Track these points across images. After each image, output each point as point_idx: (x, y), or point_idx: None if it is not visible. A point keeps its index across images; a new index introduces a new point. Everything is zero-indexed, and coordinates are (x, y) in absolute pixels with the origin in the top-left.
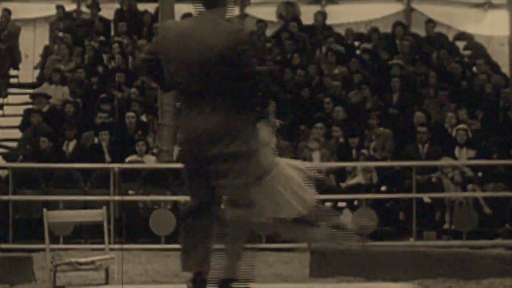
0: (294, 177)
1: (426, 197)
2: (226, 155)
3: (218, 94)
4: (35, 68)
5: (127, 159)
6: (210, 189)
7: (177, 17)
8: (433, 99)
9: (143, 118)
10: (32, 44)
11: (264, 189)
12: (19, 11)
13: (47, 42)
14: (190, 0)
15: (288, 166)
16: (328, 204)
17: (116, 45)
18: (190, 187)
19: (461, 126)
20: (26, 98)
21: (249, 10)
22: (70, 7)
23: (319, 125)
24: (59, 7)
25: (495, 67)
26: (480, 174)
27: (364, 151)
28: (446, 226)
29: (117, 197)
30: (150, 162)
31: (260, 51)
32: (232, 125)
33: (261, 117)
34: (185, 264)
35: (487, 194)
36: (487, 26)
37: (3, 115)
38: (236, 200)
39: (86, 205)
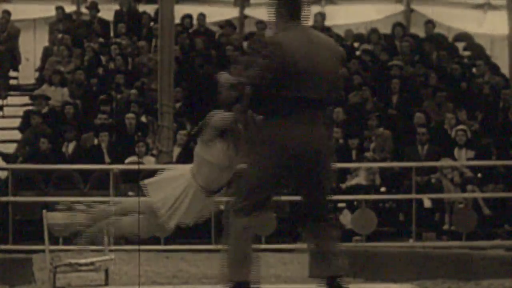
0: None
1: (427, 201)
2: (325, 168)
3: (322, 109)
4: (36, 70)
5: (127, 160)
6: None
7: (177, 18)
8: (433, 100)
9: (143, 119)
10: (32, 46)
11: None
12: (18, 12)
13: (46, 43)
14: (190, 1)
15: None
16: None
17: (115, 46)
18: (262, 189)
19: (461, 127)
20: (26, 100)
21: (248, 11)
22: (69, 9)
23: None
24: (59, 8)
25: (494, 68)
26: (479, 175)
27: (367, 153)
28: (445, 227)
29: (116, 198)
30: (149, 163)
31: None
32: (328, 136)
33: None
34: (237, 272)
35: (487, 195)
36: (487, 27)
37: (3, 117)
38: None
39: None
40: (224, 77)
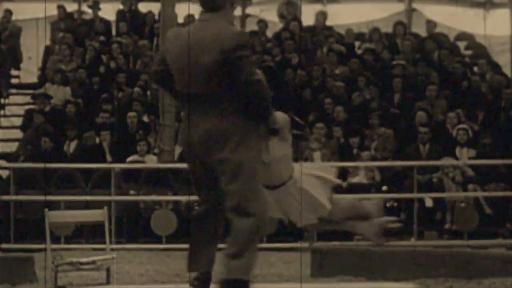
0: (308, 190)
1: (428, 201)
2: (221, 160)
3: (217, 99)
4: (39, 69)
5: (128, 159)
6: (215, 192)
7: (180, 17)
8: (435, 99)
9: (145, 118)
10: (35, 44)
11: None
12: (21, 11)
13: (48, 42)
14: (192, 0)
15: (305, 178)
16: None
17: (116, 45)
18: (197, 190)
19: (462, 126)
20: (28, 99)
21: (250, 9)
22: (71, 7)
23: (319, 125)
24: (60, 7)
25: (496, 67)
26: (481, 174)
27: (365, 153)
28: (447, 226)
29: (118, 197)
30: (151, 162)
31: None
32: (229, 130)
33: (263, 125)
34: (192, 264)
35: (488, 194)
36: (489, 26)
37: (5, 115)
38: (238, 206)
39: (87, 205)
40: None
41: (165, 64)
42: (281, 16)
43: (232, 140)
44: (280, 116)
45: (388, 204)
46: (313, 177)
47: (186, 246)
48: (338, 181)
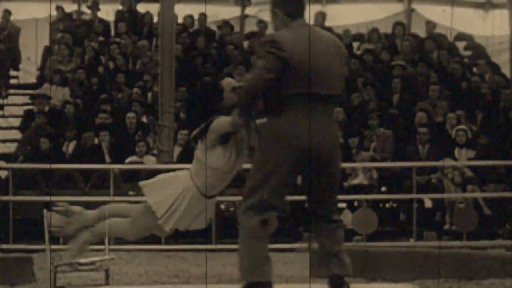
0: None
1: (427, 201)
2: (337, 165)
3: (332, 104)
4: (38, 69)
5: (127, 160)
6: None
7: (179, 17)
8: (436, 100)
9: (144, 119)
10: (34, 45)
11: None
12: (20, 11)
13: (47, 42)
14: (191, 0)
15: None
16: None
17: (115, 46)
18: (275, 185)
19: (461, 126)
20: (26, 99)
21: (249, 10)
22: (70, 8)
23: None
24: (59, 8)
25: (495, 68)
26: (480, 174)
27: (364, 153)
28: (446, 226)
29: (117, 198)
30: (150, 163)
31: None
32: (337, 136)
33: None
34: (256, 271)
35: (487, 194)
36: (488, 26)
37: (3, 116)
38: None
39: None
40: (226, 82)
41: (280, 71)
42: None
43: (339, 146)
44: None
45: (387, 205)
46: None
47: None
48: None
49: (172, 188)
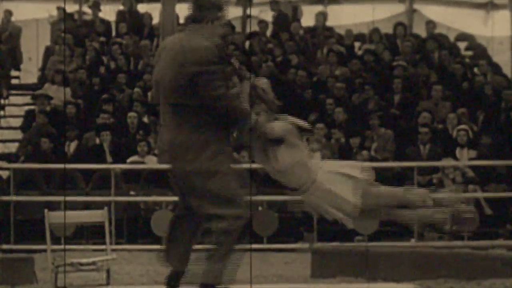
0: (329, 189)
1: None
2: (187, 172)
3: (178, 111)
4: (40, 70)
5: (129, 160)
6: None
7: (180, 17)
8: (435, 99)
9: (145, 119)
10: (35, 45)
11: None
12: (21, 12)
13: (48, 43)
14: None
15: (327, 178)
16: None
17: (117, 46)
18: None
19: (462, 126)
20: (28, 99)
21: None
22: (72, 8)
23: (320, 126)
24: (60, 8)
25: (496, 68)
26: (481, 174)
27: (364, 152)
28: (447, 227)
29: (118, 198)
30: (151, 162)
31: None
32: (194, 142)
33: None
34: (167, 258)
35: (488, 194)
36: (490, 27)
37: (5, 116)
38: (207, 214)
39: (87, 206)
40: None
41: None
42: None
43: (189, 153)
44: (280, 125)
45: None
46: (337, 175)
47: None
48: (365, 176)
49: None
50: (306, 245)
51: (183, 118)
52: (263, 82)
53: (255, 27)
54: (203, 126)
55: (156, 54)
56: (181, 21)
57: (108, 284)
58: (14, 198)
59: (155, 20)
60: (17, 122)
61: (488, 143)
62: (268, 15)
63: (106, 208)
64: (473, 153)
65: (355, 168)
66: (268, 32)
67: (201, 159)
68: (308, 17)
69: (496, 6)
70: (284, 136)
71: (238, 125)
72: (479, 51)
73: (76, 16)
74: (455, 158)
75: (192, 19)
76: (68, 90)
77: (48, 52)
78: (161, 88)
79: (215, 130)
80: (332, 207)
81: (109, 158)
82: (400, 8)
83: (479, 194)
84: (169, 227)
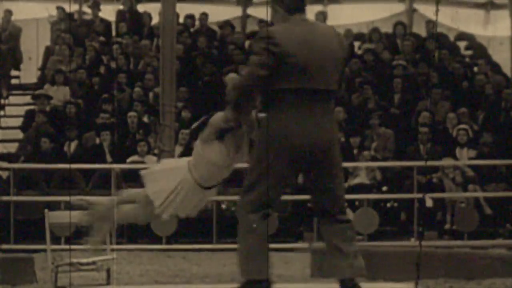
0: None
1: (428, 201)
2: (336, 162)
3: (330, 100)
4: (39, 69)
5: (129, 160)
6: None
7: (180, 17)
8: (435, 99)
9: (145, 118)
10: (35, 45)
11: None
12: (21, 11)
13: (48, 42)
14: (192, 0)
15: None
16: None
17: (117, 45)
18: (273, 182)
19: (462, 126)
20: (28, 99)
21: (250, 10)
22: (72, 8)
23: None
24: (59, 8)
25: (496, 68)
26: (481, 174)
27: (365, 152)
28: (447, 226)
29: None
30: (151, 162)
31: None
32: (336, 132)
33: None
34: (253, 269)
35: (488, 194)
36: (490, 26)
37: (5, 116)
38: (342, 207)
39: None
40: (229, 77)
41: (275, 67)
42: None
43: (338, 141)
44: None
45: (388, 205)
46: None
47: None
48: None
49: (170, 180)
50: (306, 245)
51: (330, 106)
52: None
53: (255, 27)
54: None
55: (279, 47)
56: (181, 20)
57: (108, 284)
58: (14, 198)
59: (155, 20)
60: (17, 122)
61: (488, 142)
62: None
63: None
64: (473, 153)
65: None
66: None
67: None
68: (308, 17)
69: (496, 6)
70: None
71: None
72: (479, 50)
73: (76, 16)
74: (455, 158)
75: (302, 8)
76: (68, 90)
77: (48, 52)
78: (320, 73)
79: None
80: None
81: (109, 158)
82: (400, 7)
83: (479, 194)
84: (259, 232)
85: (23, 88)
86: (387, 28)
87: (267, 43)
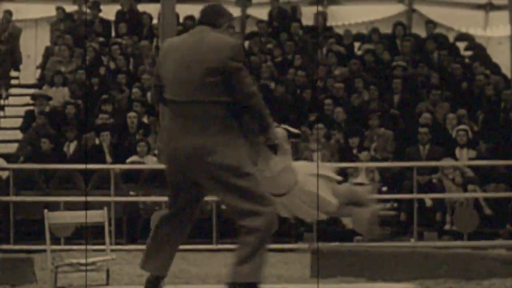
0: (313, 191)
1: (428, 201)
2: (214, 169)
3: (206, 113)
4: (37, 68)
5: (128, 160)
6: (191, 201)
7: (180, 17)
8: (434, 100)
9: (145, 119)
10: (34, 45)
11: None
12: (21, 12)
13: (48, 43)
14: (192, 0)
15: (308, 180)
16: None
17: (116, 46)
18: (172, 197)
19: (462, 126)
20: (27, 99)
21: (250, 11)
22: (71, 8)
23: (319, 126)
24: (59, 8)
25: (495, 68)
26: (480, 174)
27: (364, 153)
28: (447, 227)
29: (117, 198)
30: (151, 163)
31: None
32: (219, 142)
33: (265, 138)
34: (146, 263)
35: (488, 194)
36: (489, 27)
37: (4, 116)
38: (241, 210)
39: (87, 206)
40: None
41: (156, 77)
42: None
43: (220, 147)
44: (278, 131)
45: (388, 205)
46: (315, 177)
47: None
48: (339, 178)
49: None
50: (305, 245)
51: (211, 115)
52: None
53: (254, 27)
54: (231, 123)
55: (160, 55)
56: (181, 20)
57: (107, 284)
58: (14, 198)
59: (155, 20)
60: (17, 122)
61: (487, 143)
62: (266, 15)
63: (105, 208)
64: (472, 153)
65: (328, 169)
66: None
67: (233, 157)
68: (307, 18)
69: (495, 7)
70: (280, 143)
71: (264, 124)
72: (479, 51)
73: (75, 16)
74: (455, 158)
75: (208, 23)
76: (67, 90)
77: (48, 53)
78: (179, 87)
79: (239, 128)
80: (314, 208)
81: (108, 158)
82: (400, 8)
83: (479, 194)
84: (157, 227)
85: (22, 88)
86: (386, 29)
87: (158, 54)
